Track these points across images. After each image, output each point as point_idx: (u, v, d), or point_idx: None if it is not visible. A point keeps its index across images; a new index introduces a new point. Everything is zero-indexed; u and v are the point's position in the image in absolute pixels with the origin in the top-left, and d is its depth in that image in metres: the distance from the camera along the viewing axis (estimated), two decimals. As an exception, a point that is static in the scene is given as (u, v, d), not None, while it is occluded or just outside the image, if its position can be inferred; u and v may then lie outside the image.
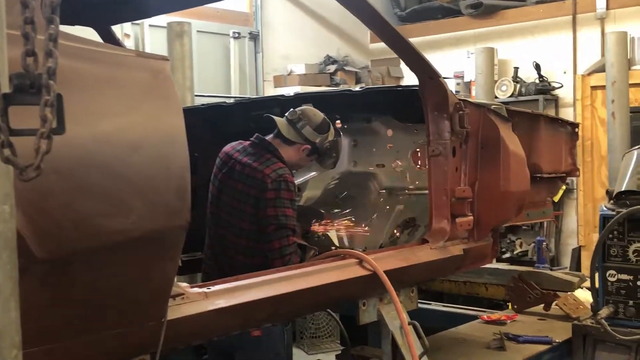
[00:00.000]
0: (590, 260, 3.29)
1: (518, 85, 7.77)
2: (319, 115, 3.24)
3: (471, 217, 3.10)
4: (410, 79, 6.63)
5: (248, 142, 3.24)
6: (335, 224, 3.63)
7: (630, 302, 3.17)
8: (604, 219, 3.24)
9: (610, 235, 3.21)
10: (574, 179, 6.80)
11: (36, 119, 1.05)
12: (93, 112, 1.68)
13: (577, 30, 7.65)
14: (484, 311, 4.07)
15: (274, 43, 8.05)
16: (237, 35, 7.51)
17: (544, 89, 7.67)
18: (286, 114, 3.25)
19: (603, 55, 6.96)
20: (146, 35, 6.59)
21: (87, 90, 1.69)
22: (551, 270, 4.93)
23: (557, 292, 3.97)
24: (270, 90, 7.74)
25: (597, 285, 3.26)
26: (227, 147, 3.29)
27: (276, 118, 3.23)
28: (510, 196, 3.27)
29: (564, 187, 7.15)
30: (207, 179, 3.37)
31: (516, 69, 7.87)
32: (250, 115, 3.81)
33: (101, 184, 1.66)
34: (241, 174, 3.12)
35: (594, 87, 7.34)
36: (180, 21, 5.40)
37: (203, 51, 7.28)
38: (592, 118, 7.43)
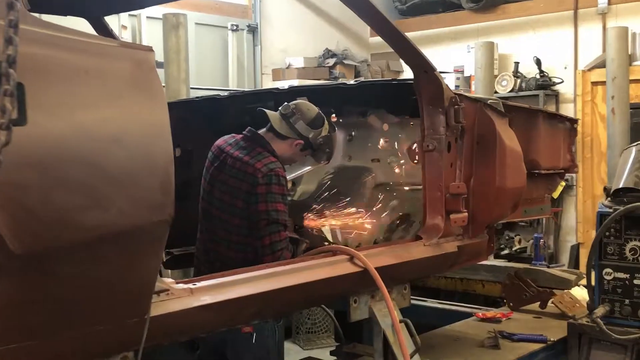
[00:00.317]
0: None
1: (518, 80, 7.71)
2: (313, 109, 3.19)
3: (466, 214, 3.05)
4: (409, 73, 6.57)
5: (240, 136, 3.20)
6: (329, 219, 3.58)
7: (627, 301, 3.13)
8: (601, 217, 3.19)
9: (607, 233, 3.16)
10: (574, 175, 6.75)
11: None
12: (72, 104, 1.64)
13: (579, 25, 7.59)
14: (479, 309, 4.03)
15: (272, 36, 8.00)
16: (235, 27, 7.46)
17: (545, 84, 7.61)
18: (279, 108, 3.20)
19: (604, 50, 6.90)
20: (143, 27, 6.55)
21: (66, 81, 1.64)
22: (548, 267, 4.89)
23: (554, 290, 3.93)
24: (269, 84, 7.69)
25: (593, 283, 3.22)
26: (220, 141, 3.24)
27: (269, 112, 3.18)
28: (506, 193, 3.22)
29: (563, 183, 7.12)
30: (201, 172, 3.32)
31: (517, 63, 7.81)
32: (246, 108, 3.76)
33: (80, 177, 1.62)
34: (232, 168, 3.07)
35: (594, 83, 7.28)
36: (176, 13, 5.35)
37: (201, 44, 7.24)
38: (592, 114, 7.37)
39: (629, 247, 3.11)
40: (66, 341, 1.76)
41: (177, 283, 2.09)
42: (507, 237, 7.56)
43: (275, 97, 3.64)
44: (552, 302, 3.79)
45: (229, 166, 3.08)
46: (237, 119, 3.78)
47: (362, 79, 8.14)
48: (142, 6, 3.96)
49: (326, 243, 3.43)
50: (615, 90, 6.23)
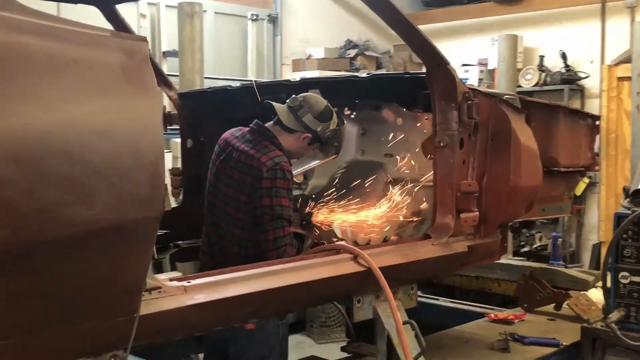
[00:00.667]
0: (605, 259, 3.14)
1: (543, 74, 7.56)
2: (321, 102, 3.11)
3: (477, 213, 2.95)
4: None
5: (247, 129, 3.13)
6: (339, 215, 3.50)
7: (643, 306, 3.02)
8: (619, 218, 3.08)
9: (624, 235, 3.05)
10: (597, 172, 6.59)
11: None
12: (57, 95, 1.59)
13: (606, 19, 7.42)
14: (492, 309, 3.94)
15: (293, 26, 7.91)
16: (255, 17, 7.39)
17: (570, 78, 7.44)
18: (287, 101, 3.12)
19: (632, 45, 6.71)
20: (162, 15, 6.51)
21: (52, 72, 1.60)
22: (566, 267, 4.77)
23: (570, 292, 3.82)
24: (288, 75, 7.60)
25: (609, 286, 3.11)
26: (226, 134, 3.18)
27: (276, 105, 3.11)
28: (520, 191, 3.12)
29: (586, 180, 6.97)
30: (213, 164, 3.26)
31: (542, 57, 7.66)
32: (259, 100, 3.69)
33: (63, 171, 1.57)
34: (238, 161, 3.01)
35: (620, 79, 7.07)
36: (191, 1, 5.28)
37: (220, 33, 7.18)
38: (617, 110, 7.16)
39: (647, 250, 3.00)
40: (52, 339, 1.72)
41: (171, 280, 2.04)
42: (527, 234, 7.43)
43: (287, 89, 3.56)
44: (567, 304, 3.69)
45: (235, 159, 3.02)
46: (250, 110, 3.71)
47: (382, 70, 8.03)
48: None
49: (335, 239, 3.37)
50: (641, 86, 6.04)
